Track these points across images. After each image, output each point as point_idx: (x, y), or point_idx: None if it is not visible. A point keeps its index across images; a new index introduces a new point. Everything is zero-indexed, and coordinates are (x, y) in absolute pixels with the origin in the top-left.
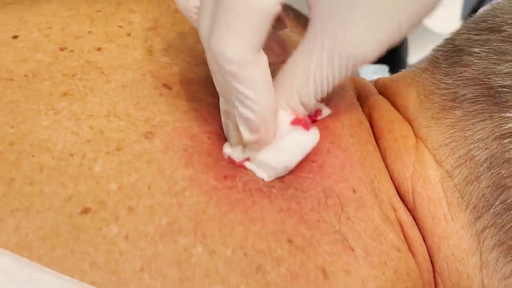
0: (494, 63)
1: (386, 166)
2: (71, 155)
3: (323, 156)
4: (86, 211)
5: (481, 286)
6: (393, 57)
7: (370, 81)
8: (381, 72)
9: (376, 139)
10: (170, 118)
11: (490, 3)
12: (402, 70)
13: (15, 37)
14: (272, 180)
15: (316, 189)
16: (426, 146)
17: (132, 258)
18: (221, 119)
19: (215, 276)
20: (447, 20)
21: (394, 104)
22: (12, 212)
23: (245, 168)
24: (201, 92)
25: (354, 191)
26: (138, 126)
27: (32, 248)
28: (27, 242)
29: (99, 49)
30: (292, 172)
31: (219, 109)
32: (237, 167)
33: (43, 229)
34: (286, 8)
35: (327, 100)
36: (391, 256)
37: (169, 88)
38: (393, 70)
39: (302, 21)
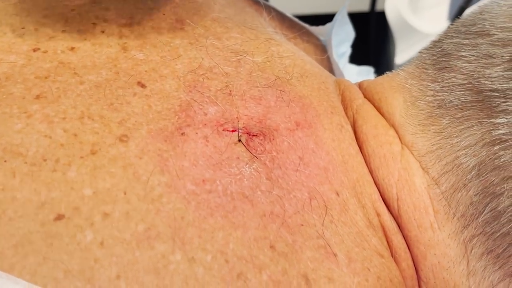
0: (483, 66)
1: (370, 171)
2: (44, 160)
3: (309, 154)
4: (59, 217)
5: None
6: (380, 58)
7: (355, 84)
8: (366, 73)
9: (359, 144)
10: (144, 119)
11: (478, 5)
12: (387, 72)
13: None
14: (258, 177)
15: (301, 189)
16: (411, 153)
17: (108, 265)
18: (194, 114)
19: (194, 284)
20: (434, 20)
21: (379, 110)
22: None
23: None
24: (175, 88)
25: (338, 194)
26: (113, 128)
27: (4, 256)
28: None
29: (72, 48)
30: (281, 165)
31: (192, 105)
32: (217, 168)
33: (15, 237)
34: (269, 7)
35: (306, 105)
36: (374, 262)
37: (143, 86)
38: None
39: (287, 22)
